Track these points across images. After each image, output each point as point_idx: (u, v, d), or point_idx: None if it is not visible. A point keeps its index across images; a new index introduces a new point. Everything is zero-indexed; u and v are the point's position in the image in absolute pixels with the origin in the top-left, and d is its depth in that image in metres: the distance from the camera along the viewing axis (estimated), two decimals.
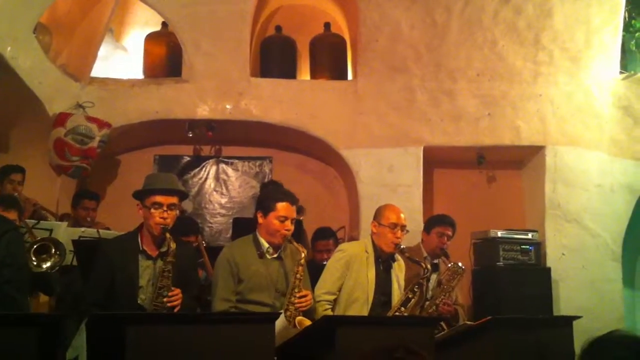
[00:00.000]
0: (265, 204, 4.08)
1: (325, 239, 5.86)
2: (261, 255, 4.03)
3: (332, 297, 4.30)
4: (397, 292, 4.42)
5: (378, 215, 4.50)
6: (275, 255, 4.07)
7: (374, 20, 6.69)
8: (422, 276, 4.38)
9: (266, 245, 4.05)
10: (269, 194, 4.29)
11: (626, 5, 6.79)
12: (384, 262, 4.45)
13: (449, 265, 5.16)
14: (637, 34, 7.10)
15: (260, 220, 4.07)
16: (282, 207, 4.02)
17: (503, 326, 4.03)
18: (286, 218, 4.01)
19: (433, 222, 5.45)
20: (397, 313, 4.25)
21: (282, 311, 3.80)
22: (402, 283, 4.50)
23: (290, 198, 4.14)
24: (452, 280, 5.13)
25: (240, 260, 3.97)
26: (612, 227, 6.69)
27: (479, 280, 6.47)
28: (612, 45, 6.80)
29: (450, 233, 5.34)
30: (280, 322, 3.56)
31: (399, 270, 4.53)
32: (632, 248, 7.16)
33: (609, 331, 2.02)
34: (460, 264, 5.14)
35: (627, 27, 7.01)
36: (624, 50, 6.98)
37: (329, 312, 4.23)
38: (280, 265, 4.06)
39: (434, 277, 5.16)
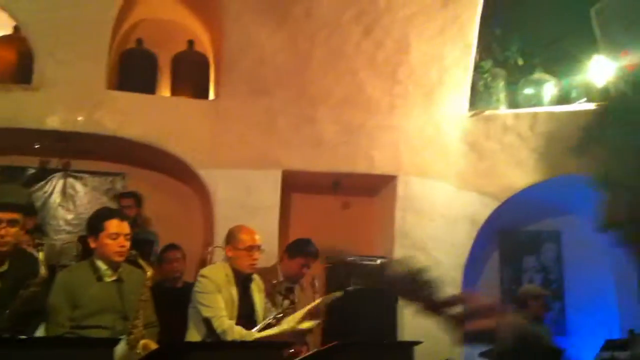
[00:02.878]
0: (94, 226, 3.95)
1: (174, 249, 5.92)
2: (99, 278, 3.89)
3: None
4: (261, 311, 4.47)
5: (232, 239, 4.48)
6: (114, 278, 3.93)
7: (239, 42, 6.67)
8: (279, 313, 4.39)
9: (104, 267, 3.92)
10: (95, 215, 4.13)
11: (477, 47, 7.24)
12: (242, 282, 4.46)
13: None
14: (485, 75, 7.57)
15: (93, 244, 3.93)
16: (111, 224, 3.90)
17: (349, 351, 4.12)
18: (118, 235, 3.88)
19: (299, 250, 5.32)
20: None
21: (122, 336, 3.66)
22: (264, 300, 4.59)
23: (118, 214, 4.06)
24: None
25: (78, 285, 3.82)
26: (454, 256, 7.02)
27: (330, 304, 6.55)
28: (462, 83, 7.17)
29: (312, 265, 5.37)
30: (120, 348, 3.43)
31: (257, 290, 4.57)
32: (472, 276, 7.58)
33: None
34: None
35: (477, 68, 7.46)
36: (475, 88, 7.42)
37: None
38: (119, 287, 3.93)
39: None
